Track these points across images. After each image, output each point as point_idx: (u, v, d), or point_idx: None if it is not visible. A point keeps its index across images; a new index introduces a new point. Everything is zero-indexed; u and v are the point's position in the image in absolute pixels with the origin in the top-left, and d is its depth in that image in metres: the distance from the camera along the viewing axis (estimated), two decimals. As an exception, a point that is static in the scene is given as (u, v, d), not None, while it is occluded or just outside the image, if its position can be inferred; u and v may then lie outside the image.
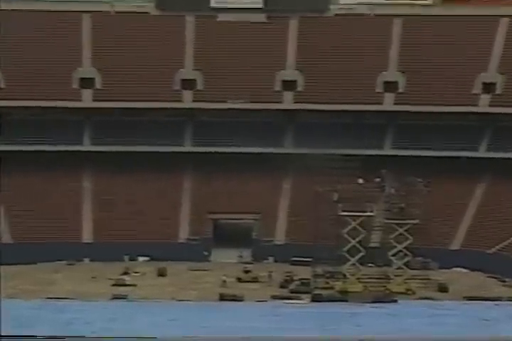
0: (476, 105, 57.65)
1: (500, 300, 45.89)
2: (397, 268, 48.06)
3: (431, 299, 46.37)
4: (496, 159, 56.75)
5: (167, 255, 52.86)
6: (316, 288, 47.27)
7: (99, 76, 59.15)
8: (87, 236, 55.48)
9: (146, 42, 59.81)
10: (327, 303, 44.54)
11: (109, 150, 57.50)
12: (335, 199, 47.49)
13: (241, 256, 54.34)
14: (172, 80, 58.97)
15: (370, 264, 49.23)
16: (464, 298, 46.57)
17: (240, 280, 49.81)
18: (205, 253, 54.90)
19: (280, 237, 55.67)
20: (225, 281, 48.85)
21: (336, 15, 61.40)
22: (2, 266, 47.65)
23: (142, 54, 59.34)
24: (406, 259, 48.07)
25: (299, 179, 56.94)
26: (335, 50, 59.53)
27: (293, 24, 61.19)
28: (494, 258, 52.16)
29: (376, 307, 43.74)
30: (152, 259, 53.81)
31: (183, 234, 55.98)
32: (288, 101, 58.71)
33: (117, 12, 61.60)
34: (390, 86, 58.43)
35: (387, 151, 57.74)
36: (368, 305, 44.26)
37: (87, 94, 58.85)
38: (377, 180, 50.84)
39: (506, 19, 60.50)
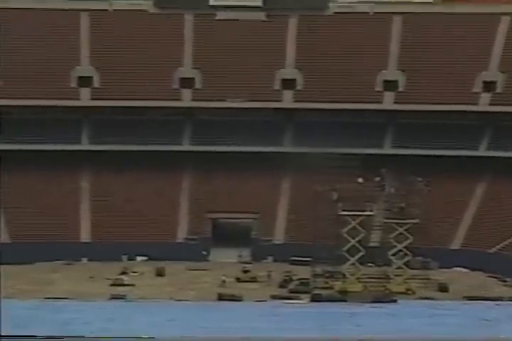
0: (476, 104, 57.58)
1: (501, 300, 45.78)
2: (397, 268, 47.99)
3: (431, 299, 46.28)
4: (496, 158, 56.70)
5: (165, 255, 52.78)
6: (316, 287, 47.18)
7: (98, 74, 59.03)
8: (85, 235, 55.39)
9: (145, 41, 59.68)
10: (326, 303, 44.44)
11: (108, 150, 57.42)
12: (334, 198, 47.43)
13: (240, 256, 54.25)
14: (171, 79, 58.85)
15: (369, 264, 49.13)
16: (465, 297, 46.48)
17: (238, 280, 49.71)
18: (204, 252, 54.82)
19: (279, 237, 55.58)
20: (224, 281, 48.74)
21: (336, 13, 61.32)
22: (0, 266, 47.56)
23: (140, 52, 59.23)
24: (406, 259, 48.00)
25: (298, 178, 56.88)
26: (334, 49, 59.42)
27: (292, 22, 61.12)
28: (495, 258, 52.07)
29: (376, 307, 43.64)
30: (150, 259, 53.70)
31: (182, 233, 55.88)
32: (287, 100, 58.64)
33: (115, 10, 61.47)
34: (390, 85, 58.37)
35: (387, 150, 57.68)
36: (368, 305, 44.16)
37: (85, 92, 58.73)
38: (377, 179, 50.80)
39: (507, 17, 60.47)
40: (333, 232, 46.97)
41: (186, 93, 58.82)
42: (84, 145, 58.31)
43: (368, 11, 61.17)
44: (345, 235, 46.99)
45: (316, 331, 39.32)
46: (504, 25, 60.27)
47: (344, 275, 47.35)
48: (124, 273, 50.93)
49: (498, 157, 56.60)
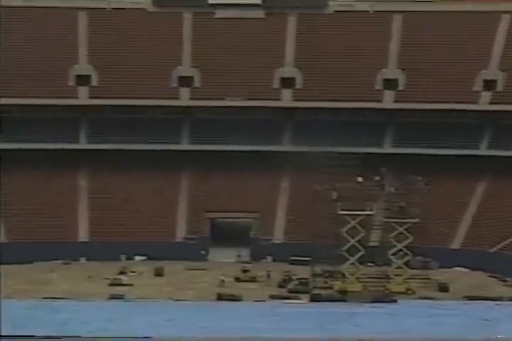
0: (476, 103, 57.50)
1: (501, 300, 45.74)
2: (397, 268, 47.92)
3: (431, 299, 46.21)
4: (496, 157, 56.63)
5: (164, 254, 52.64)
6: (315, 287, 47.10)
7: (96, 73, 58.92)
8: (83, 235, 55.25)
9: (143, 39, 59.61)
10: (326, 303, 44.37)
11: (106, 149, 57.35)
12: (334, 197, 47.32)
13: (239, 256, 54.13)
14: (169, 77, 58.74)
15: (369, 264, 49.11)
16: (465, 297, 46.40)
17: (238, 279, 49.65)
18: (203, 252, 54.70)
19: (278, 236, 55.46)
20: (223, 281, 48.60)
21: (335, 11, 61.25)
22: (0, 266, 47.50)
23: (139, 51, 59.17)
24: (406, 259, 47.92)
25: (297, 177, 56.75)
26: (334, 47, 59.34)
27: (292, 21, 61.03)
28: (495, 258, 52.01)
29: (376, 307, 43.57)
30: (149, 258, 53.59)
31: (181, 233, 55.74)
32: (286, 99, 58.53)
33: (114, 8, 61.39)
34: (390, 83, 58.29)
35: (387, 149, 57.60)
36: (368, 304, 44.09)
37: (83, 91, 58.62)
38: (377, 178, 50.68)
39: (507, 15, 60.42)
40: (333, 232, 46.86)
41: (185, 92, 58.68)
42: (83, 144, 58.20)
43: (368, 9, 61.09)
44: (345, 234, 46.90)
45: (315, 331, 39.24)
46: (504, 23, 60.18)
47: (344, 275, 47.26)
48: (122, 272, 50.81)
49: (499, 156, 56.54)
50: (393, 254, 47.77)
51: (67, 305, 43.39)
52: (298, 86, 58.70)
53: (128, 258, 53.78)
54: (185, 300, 45.08)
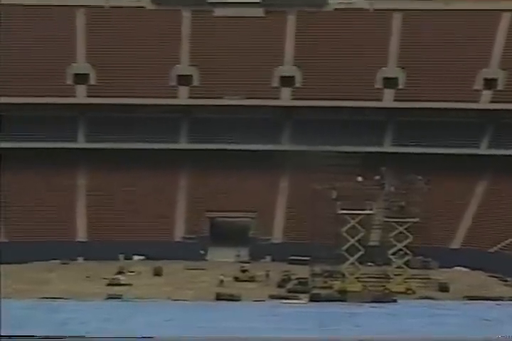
0: (477, 101, 57.42)
1: (502, 300, 45.58)
2: (397, 268, 47.82)
3: (431, 299, 46.09)
4: (497, 156, 56.57)
5: (163, 254, 52.52)
6: (314, 287, 46.99)
7: (94, 72, 58.79)
8: (81, 234, 55.12)
9: (142, 38, 59.51)
10: (325, 303, 44.19)
11: (104, 148, 57.27)
12: (333, 197, 47.20)
13: (238, 255, 54.00)
14: (168, 76, 58.63)
15: (369, 263, 48.96)
16: (465, 297, 46.27)
17: (237, 279, 49.57)
18: (202, 252, 54.58)
19: (278, 236, 55.35)
20: (222, 281, 48.47)
21: (335, 9, 61.25)
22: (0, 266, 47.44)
23: (137, 49, 59.04)
24: (406, 258, 47.82)
25: (296, 176, 56.63)
26: (333, 46, 59.24)
27: (291, 19, 60.93)
28: (495, 258, 51.92)
29: (376, 307, 43.37)
30: (148, 258, 53.47)
31: (179, 232, 55.62)
32: (286, 98, 58.39)
33: (112, 6, 61.32)
34: (390, 82, 58.17)
35: (387, 148, 57.52)
36: (368, 304, 43.88)
37: (81, 89, 58.49)
38: (377, 177, 50.47)
39: (508, 14, 60.39)
40: (332, 231, 46.71)
41: (183, 90, 58.53)
42: (81, 143, 58.11)
43: (368, 7, 61.03)
44: (345, 234, 46.76)
45: (315, 331, 39.10)
46: (505, 21, 60.12)
47: (343, 274, 47.14)
48: (120, 272, 50.65)
49: (499, 155, 56.48)
50: (393, 254, 47.65)
51: (66, 305, 43.22)
52: (297, 84, 58.59)
53: (126, 258, 53.66)
54: (184, 300, 44.93)
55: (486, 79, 57.75)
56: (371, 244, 49.20)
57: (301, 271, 48.88)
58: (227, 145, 56.75)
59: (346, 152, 50.39)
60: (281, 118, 58.78)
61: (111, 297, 45.33)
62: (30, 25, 59.52)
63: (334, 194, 47.08)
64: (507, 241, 52.80)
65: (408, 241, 47.12)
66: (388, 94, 58.06)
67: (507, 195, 55.75)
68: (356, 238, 46.68)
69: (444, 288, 47.86)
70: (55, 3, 60.45)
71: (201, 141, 57.65)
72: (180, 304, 44.14)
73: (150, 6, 61.48)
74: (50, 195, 56.21)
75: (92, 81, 58.57)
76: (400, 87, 58.18)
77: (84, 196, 57.04)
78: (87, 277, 49.74)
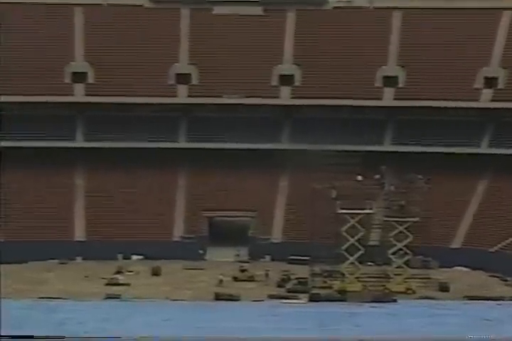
0: (477, 100, 57.31)
1: (503, 300, 45.41)
2: (397, 267, 47.69)
3: (431, 298, 45.93)
4: (497, 155, 56.43)
5: (161, 253, 52.37)
6: (314, 287, 46.86)
7: (92, 70, 58.62)
8: (79, 234, 54.96)
9: (140, 36, 59.39)
10: (325, 303, 44.04)
11: (103, 147, 57.14)
12: (333, 196, 47.06)
13: (238, 255, 53.85)
14: (166, 75, 58.49)
15: (369, 263, 48.79)
16: (465, 297, 46.12)
17: (236, 279, 49.46)
18: (201, 251, 54.44)
19: (277, 235, 55.22)
20: (222, 280, 48.32)
21: (335, 8, 61.18)
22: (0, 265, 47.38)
23: (136, 48, 58.95)
24: (406, 258, 47.70)
25: (296, 176, 56.53)
26: (333, 44, 59.08)
27: (290, 17, 60.83)
28: (496, 257, 51.78)
29: (375, 307, 43.17)
30: (146, 258, 53.34)
31: (178, 232, 55.48)
32: (285, 96, 58.26)
33: (110, 5, 61.16)
34: (390, 80, 58.05)
35: (387, 147, 57.40)
36: (367, 304, 43.68)
37: (79, 88, 58.32)
38: (377, 176, 50.31)
39: (509, 12, 60.29)
40: (332, 231, 46.56)
41: (182, 89, 58.37)
42: (79, 142, 57.95)
43: (368, 5, 60.90)
44: (344, 234, 46.62)
45: (314, 331, 38.91)
46: (506, 19, 60.00)
47: (343, 274, 47.00)
48: (119, 272, 50.51)
49: (500, 154, 56.34)
50: (393, 253, 47.52)
51: (64, 305, 43.05)
52: (297, 83, 58.47)
53: (125, 258, 53.52)
54: (182, 300, 44.77)
55: (486, 78, 57.62)
56: (371, 243, 49.04)
57: (301, 271, 48.74)
58: (226, 145, 56.64)
59: (346, 151, 50.43)
60: (281, 117, 58.65)
61: (109, 297, 45.19)
62: (28, 23, 59.36)
63: (334, 193, 46.94)
64: (508, 241, 52.67)
65: (408, 240, 46.99)
66: (388, 93, 57.91)
67: (507, 194, 55.60)
68: (356, 237, 46.55)
69: (444, 288, 47.73)
70: (53, 1, 60.34)
71: (200, 140, 57.52)
72: (179, 304, 44.00)
73: (148, 4, 61.33)
74: (48, 194, 56.08)
75: (91, 79, 58.41)
76: (400, 85, 58.06)
77: (83, 195, 56.91)
78: (85, 277, 49.61)
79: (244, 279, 49.17)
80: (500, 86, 57.66)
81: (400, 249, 47.34)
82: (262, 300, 44.91)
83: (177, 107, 58.32)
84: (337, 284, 46.59)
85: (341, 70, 57.88)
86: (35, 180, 56.70)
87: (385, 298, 44.78)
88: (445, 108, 56.81)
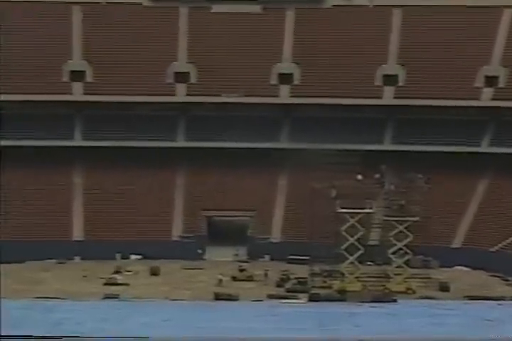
0: (478, 99, 57.21)
1: (503, 300, 45.38)
2: (397, 267, 47.64)
3: (431, 298, 45.89)
4: (498, 154, 56.37)
5: (160, 253, 52.27)
6: (314, 287, 46.84)
7: (90, 69, 58.51)
8: (77, 233, 54.84)
9: (138, 34, 59.29)
10: (325, 303, 44.00)
11: (101, 146, 57.00)
12: (333, 195, 46.99)
13: (237, 255, 53.78)
14: (165, 73, 58.35)
15: (369, 263, 48.75)
16: (466, 297, 46.09)
17: (235, 279, 49.38)
18: (199, 251, 54.34)
19: (276, 235, 55.12)
20: (221, 280, 48.25)
21: (334, 6, 60.96)
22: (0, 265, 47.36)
23: (134, 46, 58.84)
24: (406, 257, 47.67)
25: (295, 175, 56.42)
26: (333, 43, 59.00)
27: (289, 15, 60.70)
28: (497, 257, 51.73)
29: (375, 307, 43.12)
30: (145, 258, 53.23)
31: (177, 231, 55.34)
32: (284, 95, 58.13)
33: (108, 3, 61.02)
34: (390, 79, 57.92)
35: (387, 146, 57.31)
36: (367, 304, 43.66)
37: (77, 87, 58.18)
38: (377, 176, 50.38)
39: (509, 10, 60.24)
40: (332, 230, 46.48)
41: (181, 88, 58.22)
42: (77, 141, 57.81)
43: (367, 3, 60.80)
44: (344, 233, 46.53)
45: (314, 331, 38.88)
46: (506, 18, 59.90)
47: (343, 274, 46.93)
48: (117, 272, 50.42)
49: (501, 153, 56.27)
50: (393, 253, 47.47)
51: (62, 304, 43.01)
52: (296, 82, 58.31)
53: (123, 257, 53.41)
54: (181, 300, 44.70)
55: (487, 77, 57.51)
56: (371, 243, 49.03)
57: (300, 271, 48.66)
58: (225, 144, 56.51)
59: (346, 150, 50.77)
60: (280, 116, 58.51)
61: (108, 297, 45.11)
62: (26, 21, 59.16)
63: (333, 192, 46.89)
64: (508, 240, 52.61)
65: (408, 240, 46.92)
66: (388, 92, 57.78)
67: (508, 194, 55.53)
68: (356, 237, 46.47)
69: (444, 288, 47.67)
70: (51, -1, 60.26)
71: (199, 139, 57.39)
72: (178, 304, 43.94)
73: (147, 3, 61.20)
74: (46, 193, 55.90)
75: (89, 78, 58.28)
76: (400, 84, 57.93)
77: (81, 194, 56.77)
78: (83, 276, 49.54)
79: (244, 279, 49.08)
80: (500, 85, 57.54)
81: (400, 249, 47.29)
82: (261, 300, 44.85)
83: (175, 106, 58.19)
84: (337, 284, 46.52)
85: (341, 69, 57.76)
86: (33, 179, 56.48)
87: (385, 297, 44.74)
88: (445, 107, 56.76)
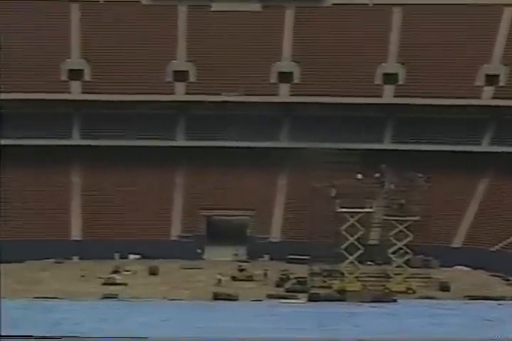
0: (478, 97, 57.09)
1: (504, 300, 45.23)
2: (397, 267, 47.55)
3: (432, 298, 45.75)
4: (499, 153, 56.23)
5: (159, 253, 52.16)
6: (313, 287, 46.74)
7: (89, 67, 58.41)
8: (75, 233, 54.73)
9: (137, 33, 59.11)
10: (324, 303, 43.88)
11: (99, 145, 56.88)
12: (333, 195, 46.92)
13: (236, 254, 53.67)
14: (164, 72, 58.26)
15: (369, 262, 48.83)
16: (466, 297, 45.98)
17: (234, 278, 49.29)
18: (198, 250, 54.23)
19: (276, 234, 55.03)
20: (220, 280, 48.18)
21: (334, 4, 60.83)
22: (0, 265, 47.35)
23: (133, 45, 58.74)
24: (406, 257, 47.57)
25: (295, 174, 56.34)
26: (332, 41, 58.88)
27: (289, 14, 60.58)
28: (497, 256, 51.64)
29: (375, 307, 42.97)
30: (143, 257, 53.13)
31: (176, 231, 55.25)
32: (284, 94, 58.04)
33: (106, 1, 60.94)
34: (390, 78, 57.80)
35: (387, 145, 57.24)
36: (367, 304, 43.50)
37: (75, 86, 58.06)
38: (377, 175, 50.38)
39: (510, 8, 60.10)
40: (331, 230, 46.37)
41: (180, 86, 58.12)
42: (75, 140, 57.67)
43: (367, 2, 60.66)
44: (344, 233, 46.42)
45: (313, 331, 38.73)
46: (507, 16, 59.77)
47: (343, 274, 46.84)
48: (116, 271, 50.30)
49: (502, 152, 56.12)
50: (393, 253, 47.38)
51: (60, 304, 42.85)
52: (296, 80, 58.22)
53: (122, 257, 53.30)
54: (180, 300, 44.58)
55: (487, 75, 57.43)
56: (371, 242, 49.01)
57: (300, 270, 48.54)
58: (224, 143, 56.41)
59: (346, 149, 50.40)
60: (280, 114, 58.41)
61: (106, 296, 45.01)
62: (24, 20, 58.97)
63: (333, 192, 46.81)
64: (509, 240, 52.50)
65: (408, 239, 46.83)
66: (388, 90, 57.68)
67: (509, 193, 55.40)
68: (356, 236, 46.37)
69: (444, 288, 47.57)
70: (49, -3, 60.07)
71: (198, 138, 57.30)
72: (177, 304, 43.84)
73: (145, 1, 61.11)
74: (44, 192, 55.74)
75: (87, 77, 58.17)
76: (400, 82, 57.82)
77: (79, 194, 56.69)
78: (81, 276, 49.42)
79: (243, 279, 48.97)
80: (501, 83, 57.45)
81: (400, 248, 47.20)
82: (261, 300, 44.75)
83: (174, 105, 58.07)
84: (336, 284, 46.41)
85: (341, 67, 57.65)
86: (31, 178, 56.33)
87: (385, 297, 44.61)
88: (446, 105, 56.65)
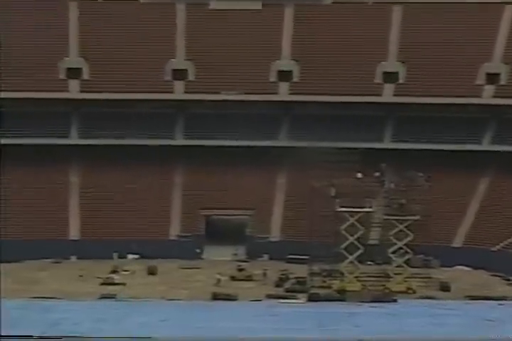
0: (479, 96, 57.08)
1: (505, 300, 45.17)
2: (397, 266, 47.48)
3: (432, 298, 45.69)
4: (499, 152, 56.31)
5: (157, 252, 52.09)
6: (313, 286, 46.66)
7: (87, 66, 58.32)
8: (74, 232, 54.67)
9: (136, 31, 59.13)
10: (324, 303, 43.82)
11: (98, 144, 56.88)
12: (332, 194, 46.83)
13: (235, 254, 53.55)
14: (163, 71, 58.16)
15: (368, 262, 48.72)
16: (467, 297, 45.95)
17: (233, 278, 49.20)
18: (197, 250, 54.20)
19: (275, 234, 54.99)
20: (219, 280, 48.04)
21: (333, 3, 60.85)
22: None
23: (131, 43, 58.70)
24: (406, 257, 47.50)
25: (294, 173, 56.27)
26: (332, 40, 58.87)
27: (289, 12, 60.55)
28: (498, 256, 51.61)
29: (375, 307, 42.89)
30: (142, 257, 53.08)
31: (174, 230, 55.19)
32: (283, 93, 57.98)
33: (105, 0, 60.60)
34: (390, 76, 57.77)
35: (387, 144, 57.22)
36: (367, 304, 43.44)
37: (74, 84, 57.98)
38: (377, 174, 50.40)
39: (511, 7, 60.12)
40: (331, 229, 46.25)
41: (179, 85, 58.02)
42: (74, 139, 57.63)
43: (367, 0, 60.61)
44: (344, 232, 46.34)
45: (313, 331, 38.65)
46: (508, 14, 59.78)
47: (342, 273, 46.77)
48: (114, 271, 50.24)
49: (502, 151, 56.21)
50: (393, 252, 47.32)
51: (58, 304, 42.78)
52: (295, 79, 58.18)
53: (120, 257, 53.25)
54: (179, 300, 44.53)
55: (488, 74, 57.40)
56: (371, 242, 48.94)
57: (300, 270, 48.46)
58: (223, 142, 56.39)
59: (345, 148, 50.33)
60: (279, 113, 58.34)
61: (104, 296, 44.91)
62: (22, 18, 58.82)
63: (333, 191, 46.71)
64: (510, 240, 52.48)
65: (408, 239, 46.75)
66: (388, 89, 57.63)
67: (510, 192, 55.40)
68: (355, 236, 46.27)
69: (445, 288, 47.51)
70: (47, -4, 59.95)
71: (197, 137, 57.22)
72: (175, 304, 43.78)
73: (144, -1, 61.00)
74: (42, 192, 55.67)
75: (85, 75, 58.07)
76: (400, 81, 57.80)
77: (78, 193, 56.60)
78: (80, 276, 49.36)
79: (242, 278, 48.90)
80: (502, 82, 57.44)
81: (400, 248, 47.14)
82: (260, 300, 44.68)
83: (173, 104, 58.03)
84: (336, 284, 46.33)
85: (340, 66, 57.61)
86: (29, 177, 56.25)
87: (385, 297, 44.53)
88: (446, 104, 56.66)
